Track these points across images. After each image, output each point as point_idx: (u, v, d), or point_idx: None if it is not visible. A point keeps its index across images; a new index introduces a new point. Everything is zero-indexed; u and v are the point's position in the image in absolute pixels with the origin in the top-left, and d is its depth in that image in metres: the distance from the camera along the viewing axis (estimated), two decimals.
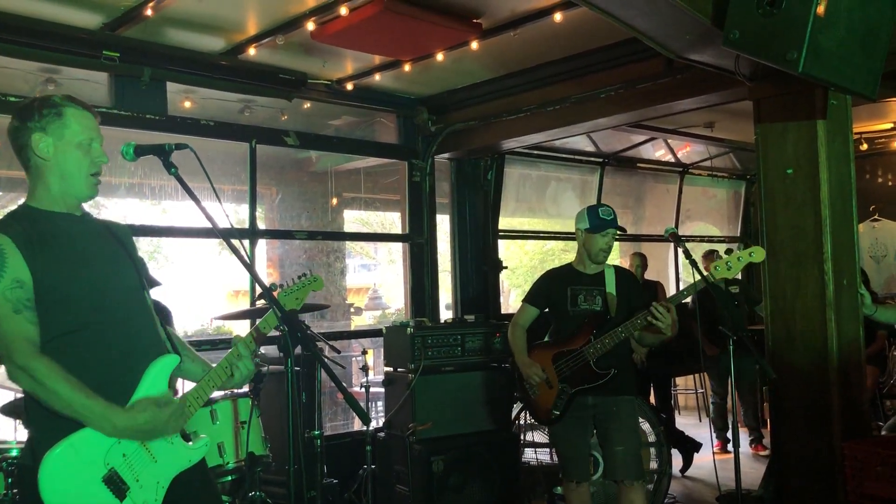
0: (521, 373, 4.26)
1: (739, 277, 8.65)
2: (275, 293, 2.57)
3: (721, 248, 9.47)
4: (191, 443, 2.35)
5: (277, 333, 2.40)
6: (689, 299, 8.02)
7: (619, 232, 4.17)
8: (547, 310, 4.32)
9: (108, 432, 2.13)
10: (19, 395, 3.82)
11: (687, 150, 8.69)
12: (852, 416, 4.13)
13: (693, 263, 3.70)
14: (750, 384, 6.98)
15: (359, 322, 12.26)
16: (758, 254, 3.76)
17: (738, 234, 9.38)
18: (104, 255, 2.34)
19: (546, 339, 4.33)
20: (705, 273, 3.78)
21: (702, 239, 9.27)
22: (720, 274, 3.75)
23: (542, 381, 4.12)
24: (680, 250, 3.82)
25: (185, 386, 2.57)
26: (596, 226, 4.13)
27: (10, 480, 3.04)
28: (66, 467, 2.08)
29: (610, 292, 4.15)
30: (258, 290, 4.55)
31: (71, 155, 2.28)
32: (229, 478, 3.94)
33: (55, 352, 2.15)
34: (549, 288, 4.31)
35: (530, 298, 4.35)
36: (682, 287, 9.04)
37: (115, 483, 2.14)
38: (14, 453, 3.10)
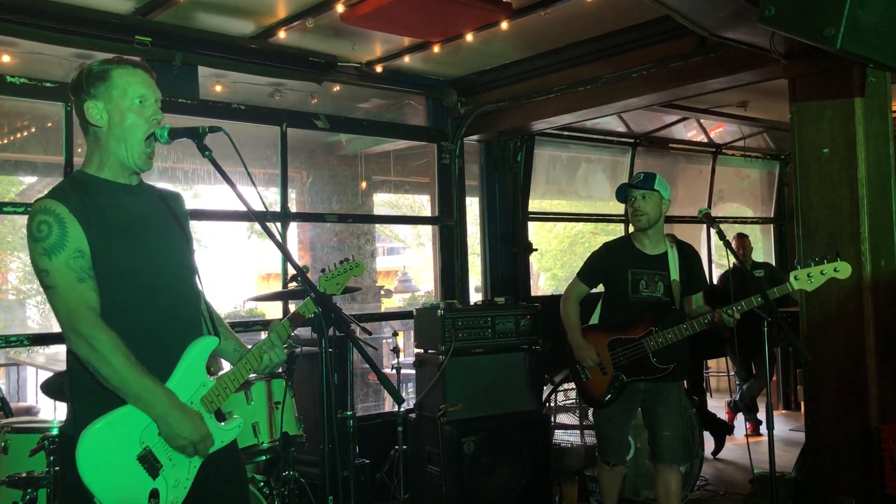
0: (572, 353, 4.20)
1: (766, 261, 8.60)
2: (318, 276, 2.57)
3: (754, 229, 9.37)
4: (224, 423, 2.36)
5: (311, 315, 2.40)
6: (716, 281, 7.99)
7: (645, 191, 4.00)
8: (605, 286, 4.22)
9: (156, 412, 2.15)
10: (56, 377, 3.89)
11: (719, 130, 8.57)
12: (889, 398, 4.08)
13: (727, 245, 3.66)
14: (762, 368, 6.93)
15: (388, 304, 12.32)
16: (843, 270, 3.52)
17: (772, 216, 9.26)
18: (156, 230, 2.34)
19: (596, 319, 4.24)
20: (737, 254, 3.72)
21: (735, 220, 9.16)
22: (800, 285, 3.57)
23: (596, 364, 4.07)
24: (713, 231, 3.76)
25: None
26: (621, 197, 4.14)
27: (51, 458, 3.10)
28: (102, 443, 2.11)
29: (674, 279, 4.01)
30: (290, 272, 4.58)
31: (124, 117, 2.26)
32: (263, 457, 3.99)
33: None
34: (606, 265, 4.19)
35: (584, 274, 4.23)
36: (714, 269, 8.98)
37: (149, 461, 2.17)
38: (55, 432, 3.16)
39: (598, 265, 4.22)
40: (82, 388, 2.19)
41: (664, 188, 4.05)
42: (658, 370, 3.95)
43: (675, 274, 4.02)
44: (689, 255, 4.14)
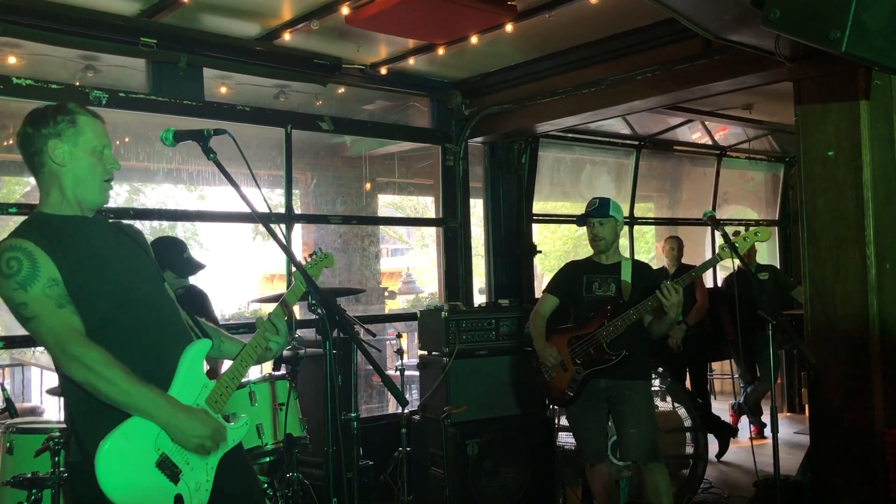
0: (537, 359, 4.41)
1: (770, 263, 8.59)
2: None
3: None
4: (231, 423, 2.38)
5: (315, 316, 2.41)
6: (720, 283, 7.97)
7: (602, 219, 4.28)
8: (567, 297, 4.45)
9: (160, 419, 2.17)
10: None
11: (724, 133, 8.56)
12: (895, 402, 4.06)
13: (732, 247, 3.68)
14: (766, 371, 6.91)
15: (392, 306, 12.33)
16: (763, 234, 3.90)
17: (777, 218, 9.25)
18: (121, 252, 2.37)
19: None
20: (742, 257, 3.76)
21: (739, 222, 9.15)
22: (726, 255, 3.85)
23: (557, 363, 4.28)
24: (718, 234, 3.81)
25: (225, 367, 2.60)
26: (581, 223, 4.39)
27: (56, 459, 3.11)
28: (120, 457, 2.11)
29: (625, 280, 4.27)
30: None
31: (85, 161, 2.31)
32: (267, 459, 4.00)
33: None
34: (567, 277, 4.48)
35: (550, 288, 4.53)
36: (719, 271, 8.96)
37: (168, 467, 2.18)
38: (59, 433, 3.17)
39: (562, 277, 4.53)
40: (82, 413, 2.20)
41: (618, 212, 4.36)
42: (611, 357, 4.15)
43: (626, 276, 4.29)
44: (640, 266, 4.44)
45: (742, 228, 4.09)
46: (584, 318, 4.29)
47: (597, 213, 4.31)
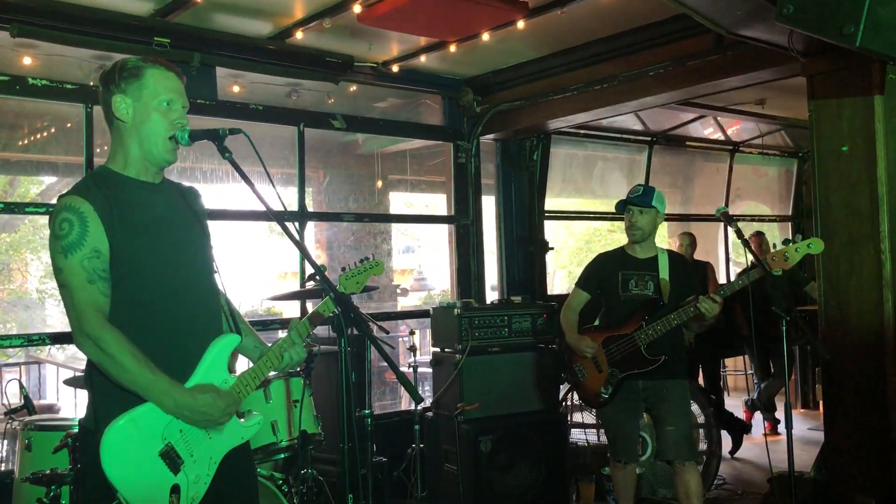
0: (569, 356, 4.33)
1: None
2: (337, 275, 2.59)
3: (771, 227, 9.32)
4: (243, 420, 2.39)
5: (331, 314, 2.42)
6: (734, 278, 7.94)
7: (643, 208, 4.14)
8: (599, 292, 4.34)
9: (167, 408, 2.18)
10: (79, 374, 3.94)
11: (737, 128, 8.52)
12: None
13: (745, 244, 3.67)
14: (780, 367, 6.88)
15: (404, 303, 12.33)
16: (816, 245, 3.68)
17: (790, 214, 9.20)
18: (178, 229, 2.36)
19: (596, 322, 4.34)
20: (756, 253, 3.72)
21: (752, 218, 9.11)
22: (777, 265, 3.67)
23: (593, 354, 4.17)
24: (731, 230, 3.77)
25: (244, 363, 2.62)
26: (620, 209, 4.23)
27: (75, 455, 3.14)
28: (126, 439, 2.14)
29: (663, 278, 4.14)
30: (308, 271, 4.59)
31: (149, 116, 2.28)
32: (282, 455, 4.02)
33: (122, 322, 2.18)
34: (600, 272, 4.34)
35: (582, 282, 4.39)
36: (732, 267, 8.93)
37: (171, 457, 2.20)
38: (77, 430, 3.20)
39: (593, 271, 4.38)
40: (102, 383, 2.21)
41: (661, 203, 4.20)
42: (649, 362, 4.04)
43: (664, 273, 4.15)
44: (678, 259, 4.30)
45: (787, 226, 3.93)
46: (620, 318, 4.17)
47: (638, 201, 4.15)
